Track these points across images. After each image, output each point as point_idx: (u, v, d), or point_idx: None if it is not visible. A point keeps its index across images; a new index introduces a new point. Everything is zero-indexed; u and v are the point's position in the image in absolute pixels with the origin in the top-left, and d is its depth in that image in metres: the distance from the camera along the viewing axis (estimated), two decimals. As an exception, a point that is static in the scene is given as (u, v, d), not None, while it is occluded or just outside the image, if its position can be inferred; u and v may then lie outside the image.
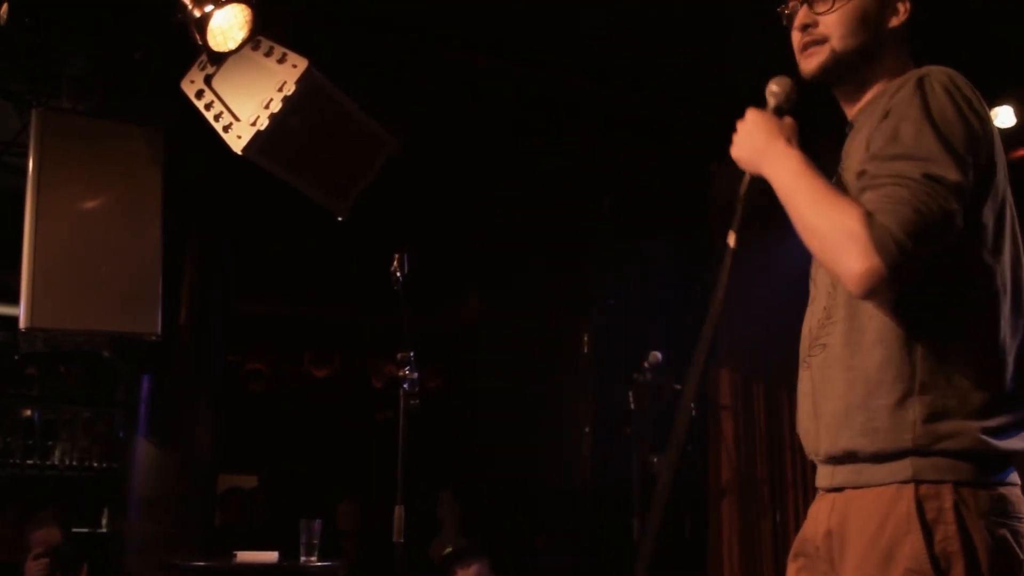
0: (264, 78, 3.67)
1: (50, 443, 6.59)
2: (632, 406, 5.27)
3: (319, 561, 3.97)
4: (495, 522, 7.00)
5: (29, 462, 6.46)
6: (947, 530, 1.61)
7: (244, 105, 3.69)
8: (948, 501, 1.62)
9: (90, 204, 4.23)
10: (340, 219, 4.19)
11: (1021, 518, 1.68)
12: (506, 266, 7.49)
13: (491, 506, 7.22)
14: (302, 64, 3.66)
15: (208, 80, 3.77)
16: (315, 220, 4.43)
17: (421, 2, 4.29)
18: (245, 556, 3.99)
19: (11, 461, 6.44)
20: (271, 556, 4.00)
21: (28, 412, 6.67)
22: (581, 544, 6.36)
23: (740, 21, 4.17)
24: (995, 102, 4.82)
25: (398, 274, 3.25)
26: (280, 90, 3.64)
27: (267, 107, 3.64)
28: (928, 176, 1.59)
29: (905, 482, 1.65)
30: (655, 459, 5.05)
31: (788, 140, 1.79)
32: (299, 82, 3.64)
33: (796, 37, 1.89)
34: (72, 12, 3.89)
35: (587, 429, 6.48)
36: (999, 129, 4.75)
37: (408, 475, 3.18)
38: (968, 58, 4.58)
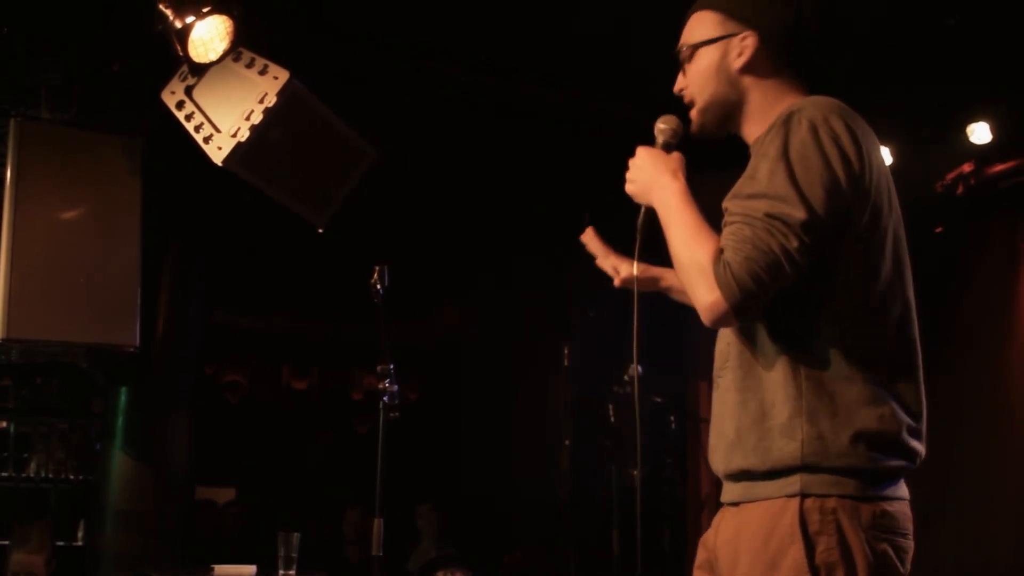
0: (245, 89, 3.66)
1: (25, 455, 6.51)
2: (612, 419, 5.28)
3: (297, 575, 3.94)
4: (474, 534, 6.98)
5: (4, 474, 6.38)
6: (829, 542, 1.67)
7: (225, 116, 3.68)
8: (831, 515, 1.68)
9: (68, 215, 4.21)
10: (320, 231, 4.19)
11: (904, 533, 1.75)
12: (486, 278, 7.50)
13: (470, 518, 7.20)
14: (283, 76, 3.65)
15: (189, 91, 3.75)
16: (294, 232, 4.42)
17: (401, 14, 4.30)
18: (222, 570, 3.96)
19: (-15, 474, 6.36)
20: (249, 570, 3.96)
21: (3, 424, 6.59)
22: (560, 556, 6.35)
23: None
24: (970, 119, 4.87)
25: (378, 286, 3.23)
26: (261, 102, 3.63)
27: (248, 119, 3.63)
28: (770, 215, 1.66)
29: (792, 496, 1.71)
30: (635, 472, 5.05)
31: (674, 174, 1.86)
32: (280, 94, 3.63)
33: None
34: (51, 22, 3.87)
35: (567, 441, 6.49)
36: (976, 145, 4.86)
37: (387, 488, 3.16)
38: (944, 75, 4.64)
